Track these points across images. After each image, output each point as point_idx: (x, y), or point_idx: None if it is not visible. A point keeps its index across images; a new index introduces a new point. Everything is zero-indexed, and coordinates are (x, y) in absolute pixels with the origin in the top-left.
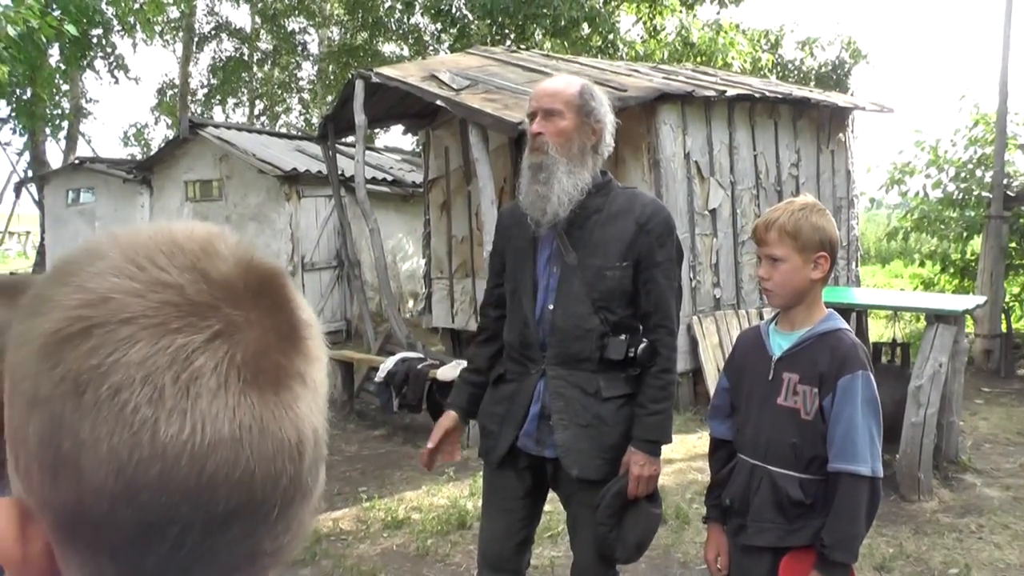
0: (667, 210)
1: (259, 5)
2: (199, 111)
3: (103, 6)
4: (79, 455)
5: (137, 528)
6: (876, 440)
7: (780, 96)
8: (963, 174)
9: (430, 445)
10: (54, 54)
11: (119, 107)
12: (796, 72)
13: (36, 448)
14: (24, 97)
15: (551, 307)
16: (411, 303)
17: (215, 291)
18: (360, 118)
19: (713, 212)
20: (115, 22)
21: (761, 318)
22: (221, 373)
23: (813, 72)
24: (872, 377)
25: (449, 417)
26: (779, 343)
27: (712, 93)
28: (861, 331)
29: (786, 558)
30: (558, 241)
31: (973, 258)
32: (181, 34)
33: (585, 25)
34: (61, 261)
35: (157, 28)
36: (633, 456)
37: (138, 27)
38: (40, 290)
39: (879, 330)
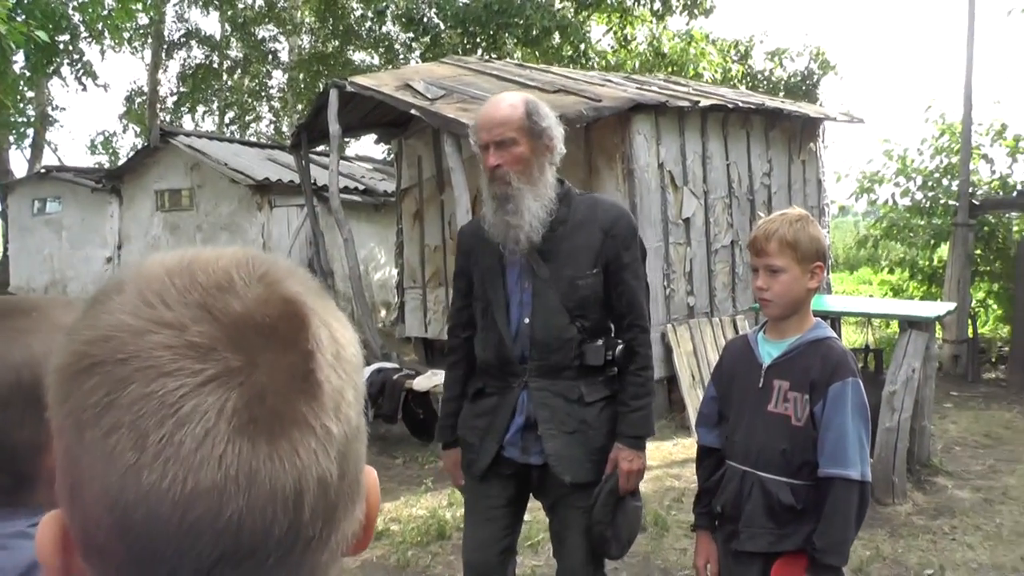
0: (628, 212)
1: (229, 12)
2: (168, 119)
3: (70, 11)
4: (82, 487)
5: (130, 561)
6: (865, 445)
7: (753, 107)
8: (930, 183)
9: (461, 482)
10: (18, 60)
11: (86, 115)
12: (766, 82)
13: (60, 471)
14: None
15: (527, 321)
16: (383, 313)
17: (218, 332)
18: (334, 127)
19: (687, 221)
20: (82, 28)
21: (734, 325)
22: (209, 420)
23: (783, 83)
24: (861, 384)
25: (454, 455)
26: (768, 351)
27: (686, 104)
28: None
29: (777, 563)
30: (528, 257)
31: (940, 265)
32: (150, 41)
33: (556, 35)
34: (97, 289)
35: (126, 35)
36: (621, 452)
37: (106, 34)
38: (76, 319)
39: (849, 336)
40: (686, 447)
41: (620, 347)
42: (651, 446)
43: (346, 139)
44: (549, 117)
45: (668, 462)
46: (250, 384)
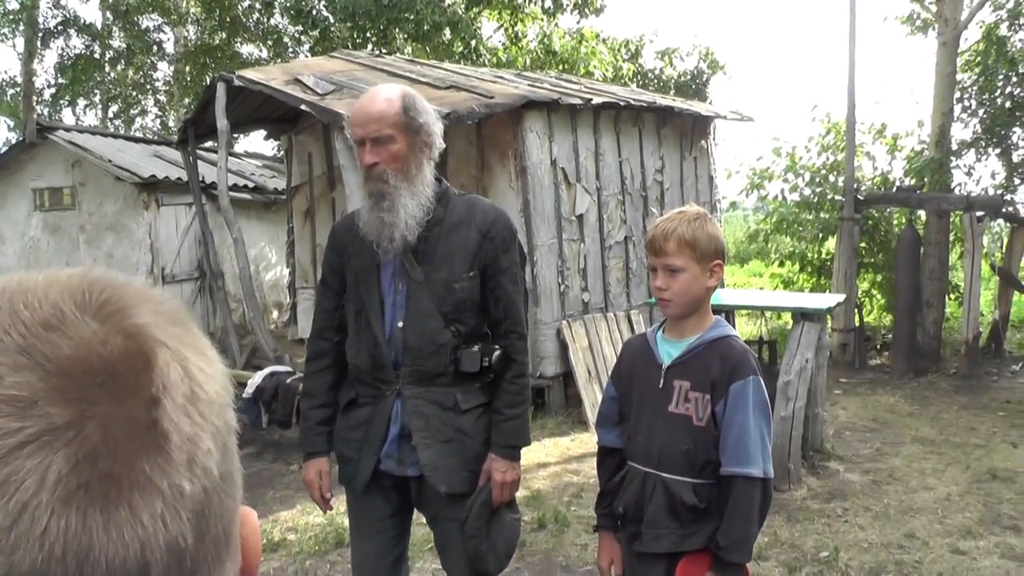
0: (507, 215)
1: (109, 0)
2: (46, 112)
3: None
4: None
5: None
6: (767, 442)
7: (644, 104)
8: (817, 179)
9: (327, 496)
10: None
11: None
12: (656, 81)
13: None
14: None
15: (400, 325)
16: (275, 314)
17: (41, 382)
18: (222, 123)
19: (580, 218)
20: None
21: (628, 321)
22: (27, 490)
23: (673, 81)
24: (762, 382)
25: (322, 465)
26: (668, 351)
27: (578, 101)
28: None
29: (682, 562)
30: (402, 257)
31: (828, 257)
32: (22, 27)
33: (447, 31)
34: None
35: None
36: (495, 463)
37: None
38: None
39: (742, 327)
40: (584, 442)
41: (497, 354)
42: (549, 443)
43: (235, 135)
44: (427, 112)
45: (566, 458)
46: (79, 443)
